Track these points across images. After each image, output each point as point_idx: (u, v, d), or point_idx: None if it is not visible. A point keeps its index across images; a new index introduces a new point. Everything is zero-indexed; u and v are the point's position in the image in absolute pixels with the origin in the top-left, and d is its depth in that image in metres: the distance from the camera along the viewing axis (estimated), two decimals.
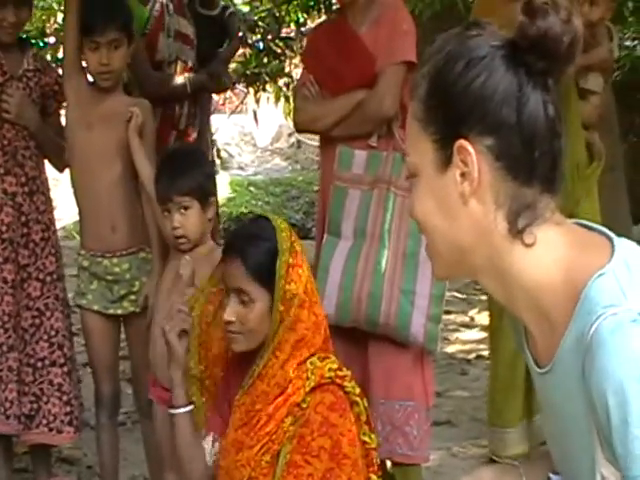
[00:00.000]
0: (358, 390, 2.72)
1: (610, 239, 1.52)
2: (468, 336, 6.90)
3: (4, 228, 3.83)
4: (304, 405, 2.61)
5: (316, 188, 9.67)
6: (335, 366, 2.68)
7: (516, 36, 1.50)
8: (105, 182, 3.79)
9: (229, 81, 5.17)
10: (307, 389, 2.62)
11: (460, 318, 7.36)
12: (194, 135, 4.90)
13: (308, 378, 2.63)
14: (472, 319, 7.32)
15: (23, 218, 3.87)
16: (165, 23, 4.72)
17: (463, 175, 1.50)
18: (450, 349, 6.57)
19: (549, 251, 1.52)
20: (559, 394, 1.54)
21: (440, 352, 6.01)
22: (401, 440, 3.65)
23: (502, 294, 1.58)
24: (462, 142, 1.48)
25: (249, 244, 2.71)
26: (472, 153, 1.48)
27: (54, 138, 3.96)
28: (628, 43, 11.17)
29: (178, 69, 4.78)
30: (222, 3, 5.25)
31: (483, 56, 1.50)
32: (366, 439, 2.71)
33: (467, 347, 6.63)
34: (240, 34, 5.49)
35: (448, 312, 7.17)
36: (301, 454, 2.59)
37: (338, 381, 2.67)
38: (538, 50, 1.48)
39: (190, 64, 4.83)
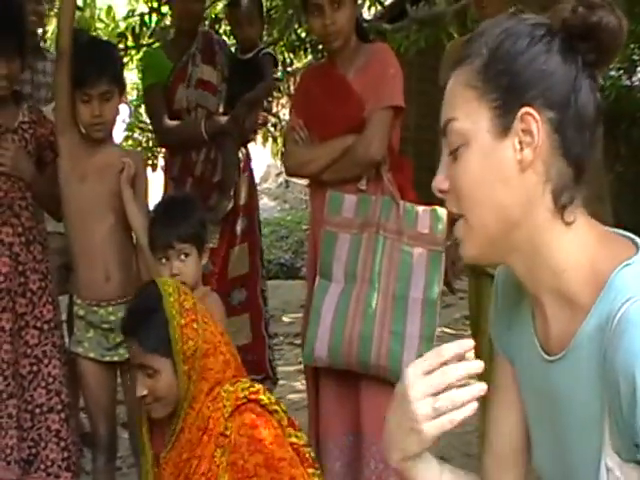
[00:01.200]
0: (273, 398, 2.84)
1: (634, 241, 1.59)
2: None
3: (1, 278, 3.83)
4: (227, 432, 2.71)
5: (305, 227, 9.71)
6: (247, 385, 2.81)
7: (571, 24, 1.55)
8: (99, 233, 3.82)
9: (251, 125, 5.15)
10: (226, 415, 2.72)
11: None
12: (214, 181, 4.96)
13: (224, 406, 2.74)
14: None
15: (20, 267, 3.88)
16: (187, 73, 4.86)
17: (521, 143, 1.54)
18: None
19: (581, 235, 1.57)
20: (569, 381, 1.57)
21: None
22: (393, 478, 3.67)
23: (529, 274, 1.61)
24: (528, 109, 1.53)
25: (140, 323, 2.84)
26: (539, 120, 1.53)
27: (50, 188, 3.97)
28: (613, 73, 11.20)
29: (199, 116, 4.89)
30: (261, 45, 5.31)
31: (543, 35, 1.55)
32: (293, 439, 2.81)
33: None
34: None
35: None
36: (239, 478, 2.67)
37: (253, 397, 2.77)
38: (592, 39, 1.54)
39: (213, 110, 4.93)
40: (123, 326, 2.95)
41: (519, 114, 1.53)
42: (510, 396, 1.80)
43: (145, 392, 2.81)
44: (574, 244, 1.57)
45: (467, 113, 1.56)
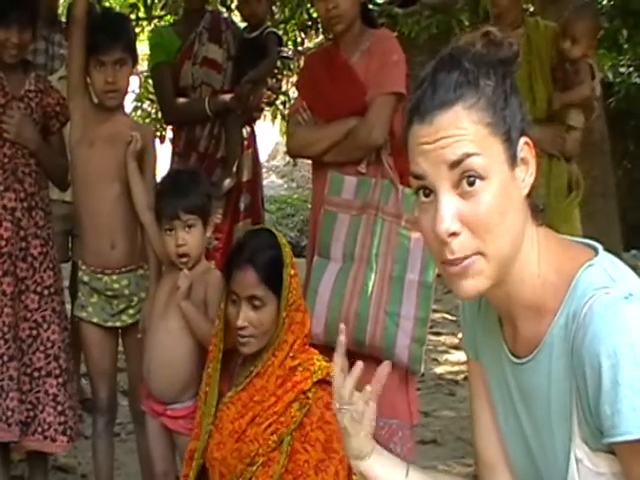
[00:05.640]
0: None
1: (591, 245, 1.69)
2: (456, 357, 6.93)
3: (3, 242, 3.87)
4: (310, 394, 2.82)
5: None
6: None
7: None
8: (105, 200, 3.84)
9: (255, 102, 5.19)
10: (314, 379, 2.83)
11: (449, 340, 7.41)
12: (218, 156, 5.01)
13: (315, 372, 2.85)
14: (461, 341, 7.31)
15: (22, 233, 3.91)
16: (193, 51, 4.94)
17: (525, 169, 1.63)
18: (438, 370, 6.63)
19: (543, 245, 1.67)
20: (539, 380, 1.65)
21: (428, 373, 6.08)
22: None
23: (504, 294, 1.67)
24: (526, 138, 1.63)
25: (259, 253, 2.93)
26: (532, 146, 1.64)
27: (55, 157, 4.01)
28: (623, 70, 11.21)
29: (203, 93, 4.96)
30: (267, 24, 5.36)
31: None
32: None
33: (455, 368, 6.67)
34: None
35: (438, 334, 7.25)
36: (301, 442, 2.81)
37: None
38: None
39: (218, 88, 5.00)
40: (236, 254, 2.99)
41: (521, 143, 1.62)
42: (489, 403, 1.87)
43: (247, 324, 2.90)
44: (539, 255, 1.66)
45: (485, 148, 1.58)
